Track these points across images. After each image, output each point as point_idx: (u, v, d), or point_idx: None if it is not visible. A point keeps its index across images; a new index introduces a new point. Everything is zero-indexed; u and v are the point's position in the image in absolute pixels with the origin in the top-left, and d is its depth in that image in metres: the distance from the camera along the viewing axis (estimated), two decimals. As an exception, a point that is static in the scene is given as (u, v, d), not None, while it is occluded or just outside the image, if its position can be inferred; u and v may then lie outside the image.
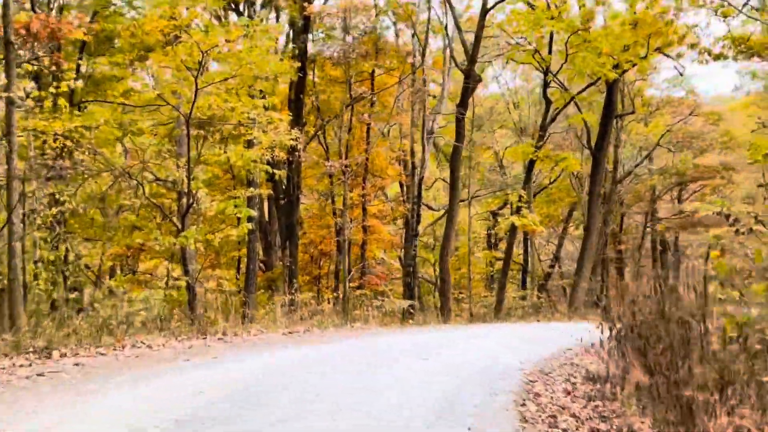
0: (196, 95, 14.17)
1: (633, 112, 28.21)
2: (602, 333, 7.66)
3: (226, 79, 14.98)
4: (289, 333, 13.66)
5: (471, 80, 21.85)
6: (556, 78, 24.56)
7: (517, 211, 22.90)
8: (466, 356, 10.71)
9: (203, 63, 14.18)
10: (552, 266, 37.56)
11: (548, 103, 23.90)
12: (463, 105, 22.01)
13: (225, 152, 18.55)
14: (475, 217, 35.58)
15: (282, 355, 10.27)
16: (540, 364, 9.77)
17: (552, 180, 35.16)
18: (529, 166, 23.32)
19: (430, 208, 35.50)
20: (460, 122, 22.11)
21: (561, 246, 38.68)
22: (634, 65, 21.27)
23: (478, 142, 32.15)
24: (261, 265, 24.23)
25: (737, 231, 7.32)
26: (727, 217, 7.54)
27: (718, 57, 15.79)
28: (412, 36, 24.26)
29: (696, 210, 36.20)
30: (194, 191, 16.94)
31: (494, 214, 34.64)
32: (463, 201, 29.65)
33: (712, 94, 49.44)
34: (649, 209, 36.54)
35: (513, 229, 23.04)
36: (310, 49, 24.00)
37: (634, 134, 31.70)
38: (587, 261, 26.38)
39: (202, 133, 17.66)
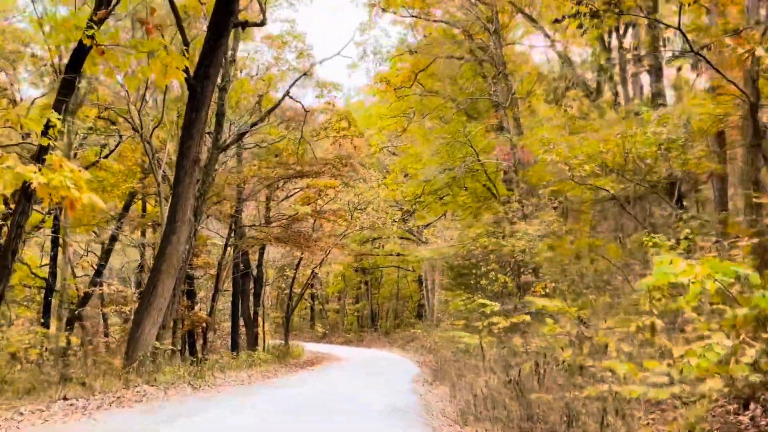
0: None
1: (263, 23, 17.85)
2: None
3: None
4: None
5: None
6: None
7: (40, 155, 10.29)
8: None
9: None
10: (94, 284, 24.95)
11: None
12: None
13: None
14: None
15: None
16: None
17: (104, 155, 22.73)
18: (76, 60, 10.70)
19: None
20: None
21: (108, 255, 26.30)
22: None
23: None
24: None
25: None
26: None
27: None
28: None
29: (296, 213, 27.81)
30: None
31: None
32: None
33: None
34: (234, 209, 26.55)
35: (27, 194, 10.22)
36: None
37: (238, 88, 21.36)
38: (165, 278, 14.82)
39: None
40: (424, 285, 46.08)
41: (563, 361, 9.53)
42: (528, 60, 30.33)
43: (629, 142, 11.32)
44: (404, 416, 11.44)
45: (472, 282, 30.04)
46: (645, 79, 20.45)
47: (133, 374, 13.78)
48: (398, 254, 50.93)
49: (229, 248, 28.02)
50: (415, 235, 44.75)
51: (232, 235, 27.69)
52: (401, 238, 49.09)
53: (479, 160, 20.78)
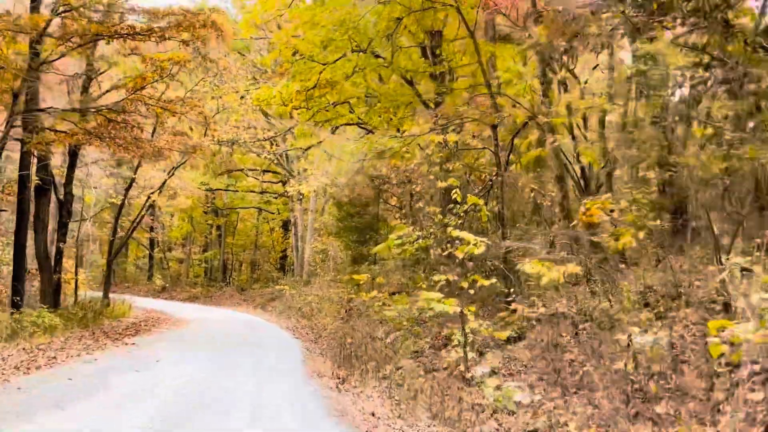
0: None
1: None
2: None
3: None
4: None
5: None
6: None
7: None
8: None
9: None
10: None
11: None
12: None
13: None
14: None
15: None
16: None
17: None
18: None
19: None
20: None
21: None
22: None
23: None
24: None
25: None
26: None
27: None
28: None
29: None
30: None
31: None
32: None
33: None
34: (22, 83, 16.11)
35: None
36: None
37: None
38: None
39: None
40: (293, 231, 36.93)
41: None
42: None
43: None
44: None
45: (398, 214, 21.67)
46: None
47: None
48: (263, 192, 41.32)
49: (10, 146, 17.52)
50: (286, 168, 35.43)
51: (17, 123, 17.17)
52: (267, 171, 39.49)
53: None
